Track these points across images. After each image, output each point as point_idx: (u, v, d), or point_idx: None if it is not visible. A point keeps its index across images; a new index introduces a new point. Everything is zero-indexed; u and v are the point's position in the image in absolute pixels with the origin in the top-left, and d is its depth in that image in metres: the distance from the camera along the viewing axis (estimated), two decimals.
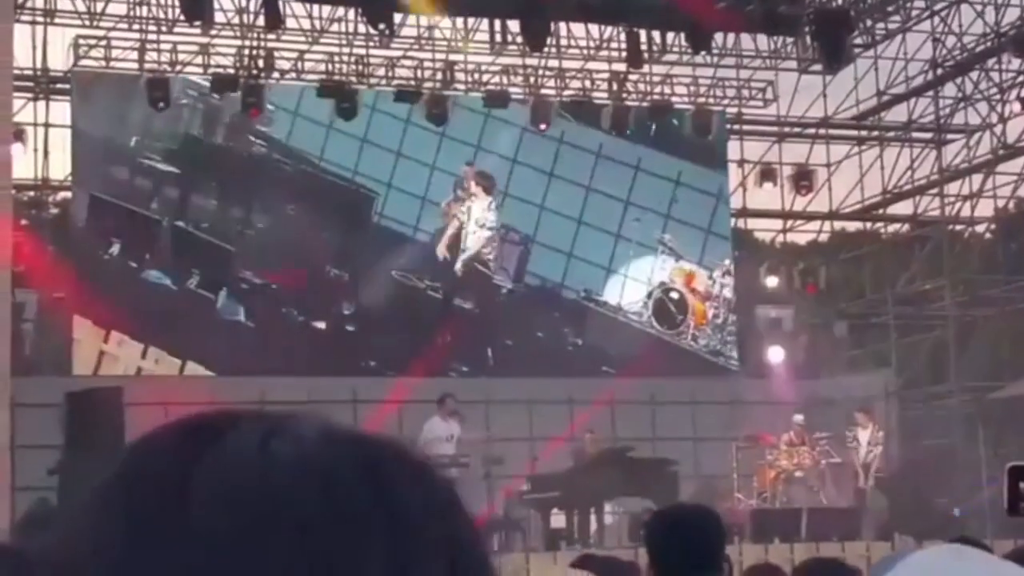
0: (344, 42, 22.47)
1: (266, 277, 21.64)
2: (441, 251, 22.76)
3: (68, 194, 22.00)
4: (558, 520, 17.02)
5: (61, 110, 21.66)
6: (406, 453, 0.77)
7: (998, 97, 24.24)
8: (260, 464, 0.71)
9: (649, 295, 23.54)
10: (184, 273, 21.37)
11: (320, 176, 22.34)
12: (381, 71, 22.76)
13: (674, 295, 23.47)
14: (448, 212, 22.80)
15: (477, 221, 23.03)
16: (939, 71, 24.60)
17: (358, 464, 0.73)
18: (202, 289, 21.42)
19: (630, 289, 23.50)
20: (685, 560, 3.88)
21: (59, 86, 21.78)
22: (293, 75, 22.42)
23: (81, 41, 21.63)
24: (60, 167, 21.82)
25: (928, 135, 25.42)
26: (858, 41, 24.65)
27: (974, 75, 24.48)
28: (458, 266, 22.84)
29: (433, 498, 0.75)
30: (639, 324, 23.41)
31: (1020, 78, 23.55)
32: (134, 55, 21.66)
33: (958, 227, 25.95)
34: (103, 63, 21.70)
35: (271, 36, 21.90)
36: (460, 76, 23.02)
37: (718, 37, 23.57)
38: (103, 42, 21.64)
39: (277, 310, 21.70)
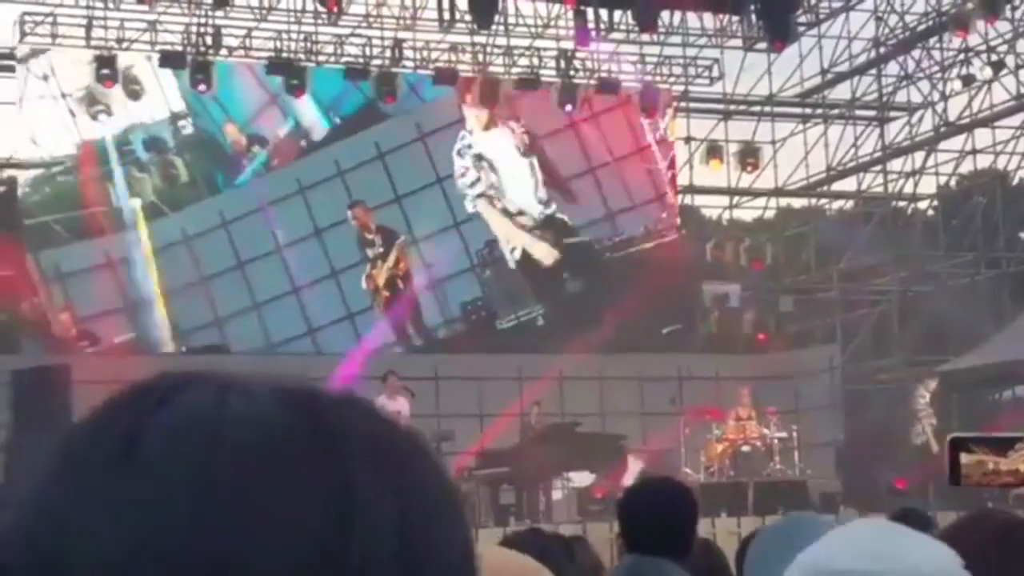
0: (292, 19, 22.41)
1: None
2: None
3: (14, 171, 21.83)
4: (507, 495, 17.14)
5: (7, 87, 21.53)
6: (359, 408, 0.78)
7: (940, 76, 24.52)
8: (211, 420, 0.74)
9: None
10: None
11: None
12: (329, 48, 22.73)
13: None
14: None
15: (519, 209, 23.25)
16: (882, 50, 24.86)
17: (306, 418, 0.75)
18: None
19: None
20: (656, 532, 3.96)
21: (5, 63, 21.63)
22: (241, 52, 22.35)
23: (27, 18, 21.44)
24: (5, 145, 21.67)
25: (871, 113, 25.69)
26: (802, 20, 24.83)
27: (916, 54, 24.74)
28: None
29: (381, 450, 0.77)
30: None
31: (961, 57, 23.82)
32: (81, 32, 21.50)
33: (901, 204, 26.26)
34: (49, 40, 21.52)
35: (219, 13, 21.81)
36: (409, 54, 23.03)
37: (664, 15, 23.68)
38: (49, 19, 21.46)
39: None
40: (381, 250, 22.13)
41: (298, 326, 21.55)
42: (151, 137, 21.38)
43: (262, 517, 0.72)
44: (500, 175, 22.99)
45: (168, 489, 0.71)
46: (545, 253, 23.08)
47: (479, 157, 22.84)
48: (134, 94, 21.22)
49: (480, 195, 22.81)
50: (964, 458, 2.18)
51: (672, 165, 24.39)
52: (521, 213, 23.07)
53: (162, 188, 21.24)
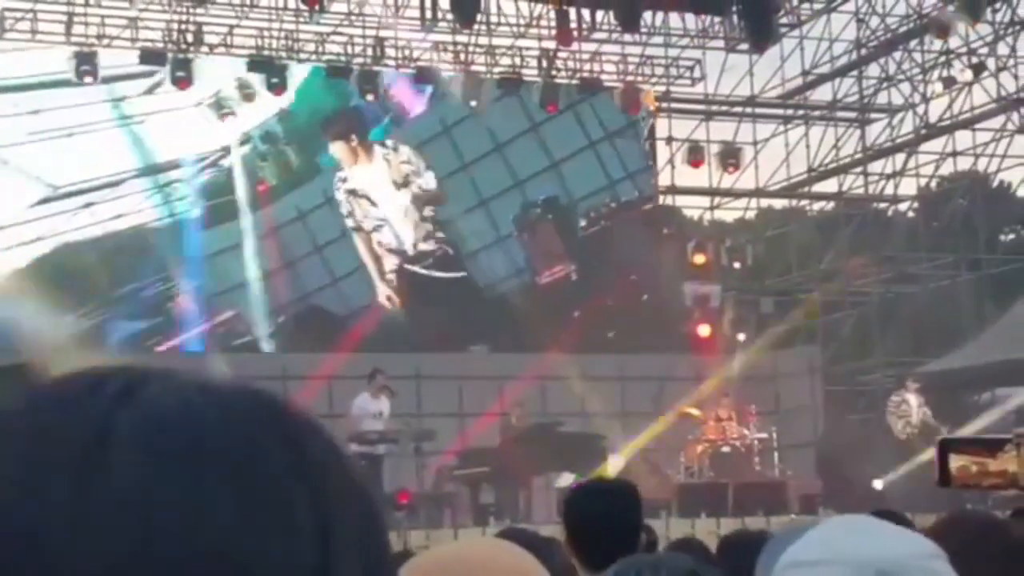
0: (273, 17, 22.35)
1: None
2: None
3: None
4: (487, 495, 17.12)
5: None
6: (294, 407, 0.76)
7: (920, 77, 24.57)
8: (183, 418, 0.70)
9: None
10: None
11: None
12: (311, 46, 22.68)
13: None
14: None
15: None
16: (863, 51, 24.90)
17: (269, 415, 0.73)
18: None
19: None
20: (601, 534, 3.98)
21: None
22: (222, 50, 22.28)
23: (7, 14, 21.33)
24: None
25: (852, 114, 25.73)
26: (784, 21, 24.87)
27: (897, 56, 24.79)
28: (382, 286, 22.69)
29: (342, 456, 0.75)
30: None
31: (942, 59, 23.87)
32: (61, 28, 21.41)
33: (882, 205, 26.32)
34: (29, 36, 21.42)
35: (200, 10, 21.75)
36: (391, 52, 22.99)
37: (647, 16, 23.69)
38: (29, 15, 21.35)
39: None
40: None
41: None
42: (265, 132, 22.89)
43: (255, 519, 0.69)
44: (381, 209, 22.97)
45: (156, 488, 0.68)
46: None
47: (352, 192, 22.75)
48: (248, 97, 21.91)
49: (355, 228, 22.79)
50: (953, 460, 2.17)
51: (651, 135, 24.60)
52: (399, 248, 23.00)
53: (279, 174, 22.98)
